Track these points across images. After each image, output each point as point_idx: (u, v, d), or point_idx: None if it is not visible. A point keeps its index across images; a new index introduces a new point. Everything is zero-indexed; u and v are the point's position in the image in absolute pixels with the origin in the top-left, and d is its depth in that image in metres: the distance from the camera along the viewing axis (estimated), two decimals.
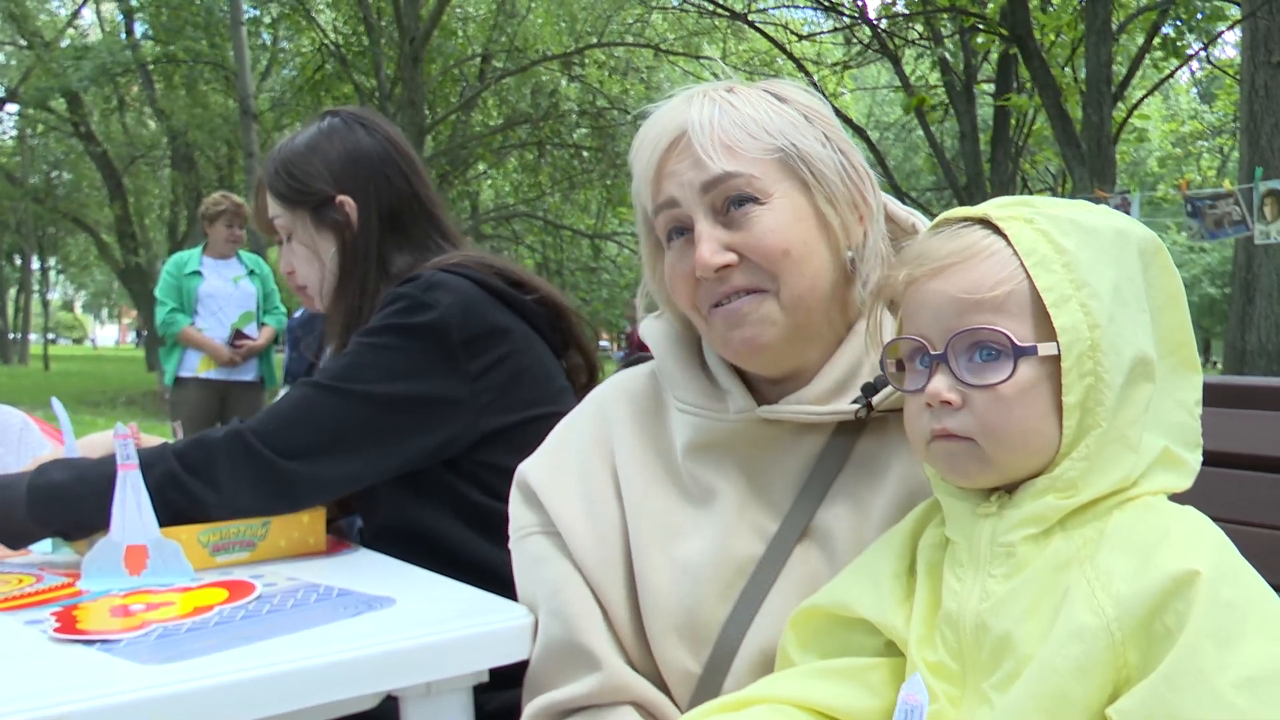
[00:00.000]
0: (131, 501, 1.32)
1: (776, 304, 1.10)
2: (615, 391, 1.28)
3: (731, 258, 1.08)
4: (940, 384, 0.91)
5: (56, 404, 1.68)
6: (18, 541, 1.45)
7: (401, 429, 1.49)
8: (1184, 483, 0.95)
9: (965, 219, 0.96)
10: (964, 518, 0.95)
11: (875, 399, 1.10)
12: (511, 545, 1.25)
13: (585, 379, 1.74)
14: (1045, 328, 0.89)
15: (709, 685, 1.11)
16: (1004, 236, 0.92)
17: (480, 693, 1.18)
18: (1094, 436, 0.88)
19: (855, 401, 1.11)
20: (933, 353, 0.92)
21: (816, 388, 1.13)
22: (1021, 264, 0.90)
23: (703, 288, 1.11)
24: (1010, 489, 0.93)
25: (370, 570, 1.43)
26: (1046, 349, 0.89)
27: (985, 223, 0.94)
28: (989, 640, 0.89)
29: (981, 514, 0.93)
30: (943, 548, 0.98)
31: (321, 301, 1.75)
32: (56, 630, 1.12)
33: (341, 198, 1.67)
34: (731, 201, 1.09)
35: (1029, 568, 0.90)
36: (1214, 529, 0.89)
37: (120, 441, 1.33)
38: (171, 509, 1.38)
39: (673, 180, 1.11)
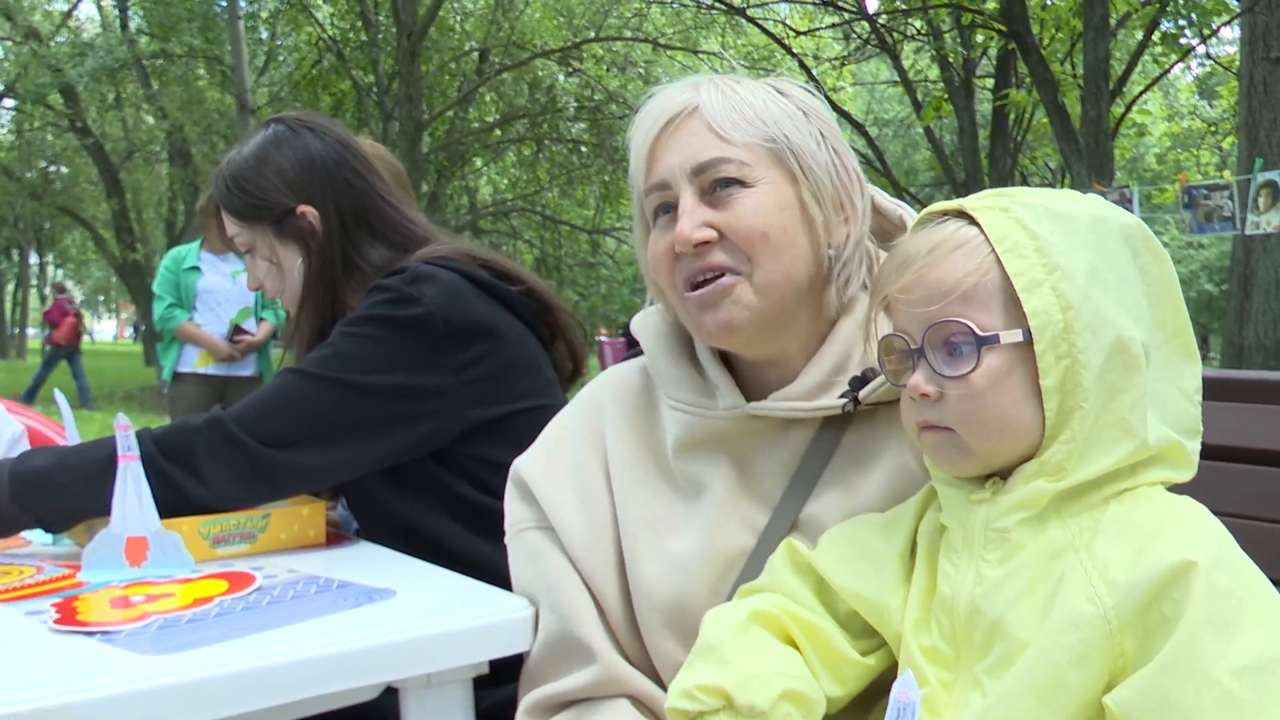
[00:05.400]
0: (132, 493, 1.32)
1: (749, 287, 1.10)
2: (607, 387, 1.29)
3: (711, 234, 1.09)
4: (919, 378, 0.94)
5: (60, 397, 1.68)
6: (2, 529, 1.43)
7: (385, 419, 1.48)
8: (1185, 474, 0.95)
9: (944, 212, 0.97)
10: (958, 504, 0.96)
11: (862, 393, 1.10)
12: (508, 540, 1.26)
13: (571, 371, 1.73)
14: (1018, 314, 0.90)
15: None
16: (979, 226, 0.93)
17: (475, 689, 1.18)
18: (1078, 419, 0.89)
19: (842, 396, 1.12)
20: (912, 348, 0.94)
21: (804, 383, 1.13)
22: (994, 251, 0.91)
23: (681, 264, 1.11)
24: (1004, 475, 0.94)
25: (370, 562, 1.43)
26: (1010, 336, 0.90)
27: (962, 214, 0.95)
28: (982, 625, 0.90)
29: (975, 500, 0.94)
30: (940, 533, 0.99)
31: (290, 310, 1.71)
32: (57, 621, 1.12)
33: (303, 208, 1.64)
34: (719, 184, 1.10)
35: (1023, 553, 0.90)
36: (1212, 519, 0.89)
37: (121, 433, 1.32)
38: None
39: (665, 162, 1.12)
